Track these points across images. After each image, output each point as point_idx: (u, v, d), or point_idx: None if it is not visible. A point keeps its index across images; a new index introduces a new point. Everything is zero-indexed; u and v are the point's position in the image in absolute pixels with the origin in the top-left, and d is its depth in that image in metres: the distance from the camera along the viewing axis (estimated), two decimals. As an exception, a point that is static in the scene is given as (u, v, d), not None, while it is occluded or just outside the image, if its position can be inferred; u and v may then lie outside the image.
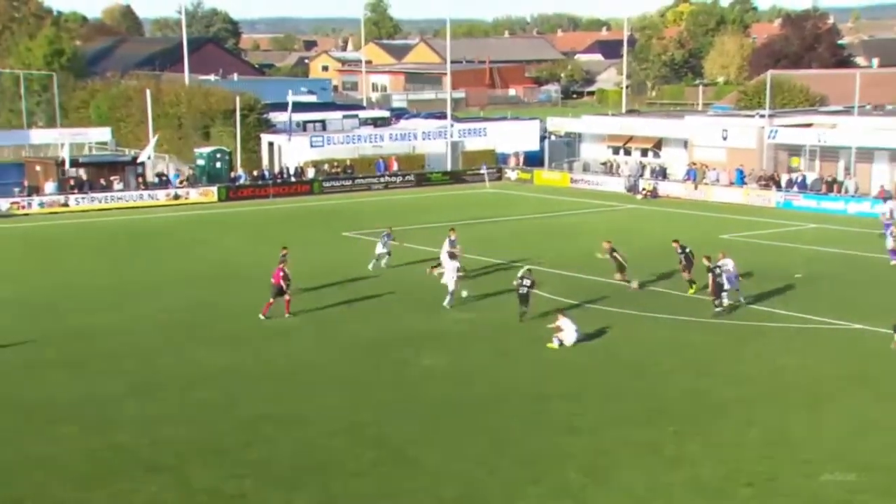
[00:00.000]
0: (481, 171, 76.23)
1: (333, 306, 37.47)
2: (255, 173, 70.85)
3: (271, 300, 35.92)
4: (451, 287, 36.80)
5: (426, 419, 25.64)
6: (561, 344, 31.97)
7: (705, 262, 36.34)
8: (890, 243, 44.81)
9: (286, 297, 36.05)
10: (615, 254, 39.51)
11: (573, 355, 31.36)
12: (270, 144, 75.05)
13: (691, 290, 38.44)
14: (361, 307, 37.42)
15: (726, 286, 35.59)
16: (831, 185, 63.21)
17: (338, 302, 38.04)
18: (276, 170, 71.84)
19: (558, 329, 32.04)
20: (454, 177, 76.74)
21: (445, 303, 36.77)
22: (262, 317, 35.68)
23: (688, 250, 38.83)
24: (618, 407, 26.55)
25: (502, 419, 25.66)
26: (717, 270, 35.35)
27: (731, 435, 24.51)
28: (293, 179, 70.56)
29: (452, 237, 41.66)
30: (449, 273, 37.31)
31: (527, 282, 34.90)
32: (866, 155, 63.98)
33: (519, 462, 23.03)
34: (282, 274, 36.01)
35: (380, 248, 43.81)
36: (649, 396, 27.34)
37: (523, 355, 31.34)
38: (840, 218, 58.82)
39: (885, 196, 59.69)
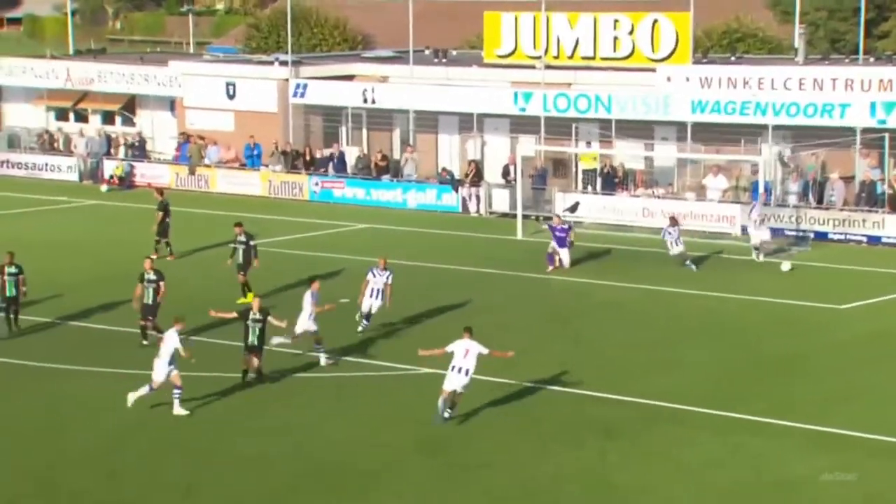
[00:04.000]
0: None
1: None
2: None
3: None
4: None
5: None
6: None
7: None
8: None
9: None
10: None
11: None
12: None
13: (247, 298, 38.87)
14: None
15: None
16: (385, 167, 61.67)
17: None
18: None
19: None
20: None
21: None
22: None
23: (252, 243, 41.68)
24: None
25: None
26: None
27: None
28: None
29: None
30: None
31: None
32: (430, 121, 62.94)
33: None
34: None
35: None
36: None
37: None
38: (397, 214, 57.49)
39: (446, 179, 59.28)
